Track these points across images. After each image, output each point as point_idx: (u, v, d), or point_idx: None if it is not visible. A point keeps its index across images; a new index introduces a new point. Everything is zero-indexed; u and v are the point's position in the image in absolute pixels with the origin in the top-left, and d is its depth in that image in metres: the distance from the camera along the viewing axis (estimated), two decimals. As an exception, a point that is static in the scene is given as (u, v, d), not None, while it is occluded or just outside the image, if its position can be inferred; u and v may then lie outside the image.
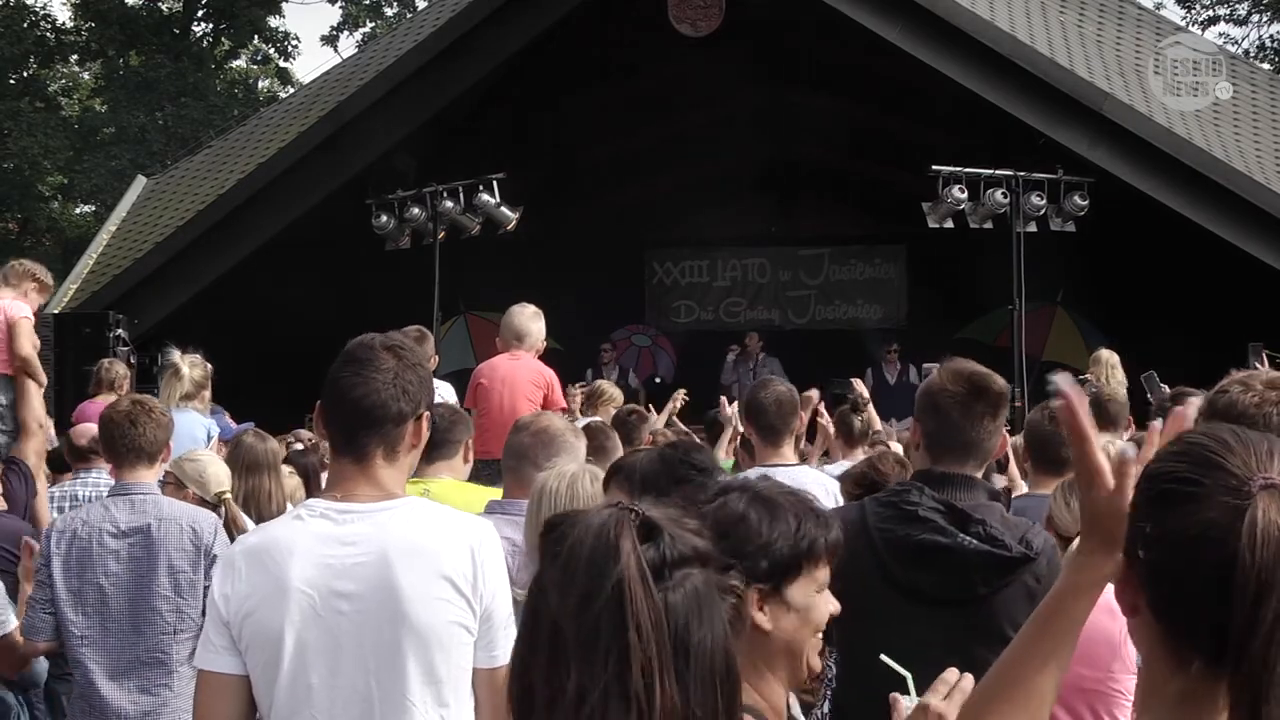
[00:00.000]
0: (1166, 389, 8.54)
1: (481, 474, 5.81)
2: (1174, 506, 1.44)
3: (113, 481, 4.75)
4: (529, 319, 7.46)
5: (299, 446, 7.71)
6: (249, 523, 5.12)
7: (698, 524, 1.50)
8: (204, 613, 4.33)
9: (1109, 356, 9.23)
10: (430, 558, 2.58)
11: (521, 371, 7.27)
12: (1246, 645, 1.37)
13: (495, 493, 4.65)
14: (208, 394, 7.63)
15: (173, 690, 4.31)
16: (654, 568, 1.40)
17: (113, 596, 4.29)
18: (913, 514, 3.07)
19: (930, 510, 3.05)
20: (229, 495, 5.03)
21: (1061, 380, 1.66)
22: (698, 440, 5.23)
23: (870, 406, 7.48)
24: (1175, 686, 1.44)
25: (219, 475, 5.05)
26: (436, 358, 8.06)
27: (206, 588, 4.30)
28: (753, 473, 5.37)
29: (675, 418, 9.89)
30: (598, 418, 7.61)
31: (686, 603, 1.42)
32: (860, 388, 7.78)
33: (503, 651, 2.62)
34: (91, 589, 4.30)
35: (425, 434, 2.73)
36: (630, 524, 1.42)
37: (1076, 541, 1.72)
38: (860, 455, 6.62)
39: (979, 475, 3.19)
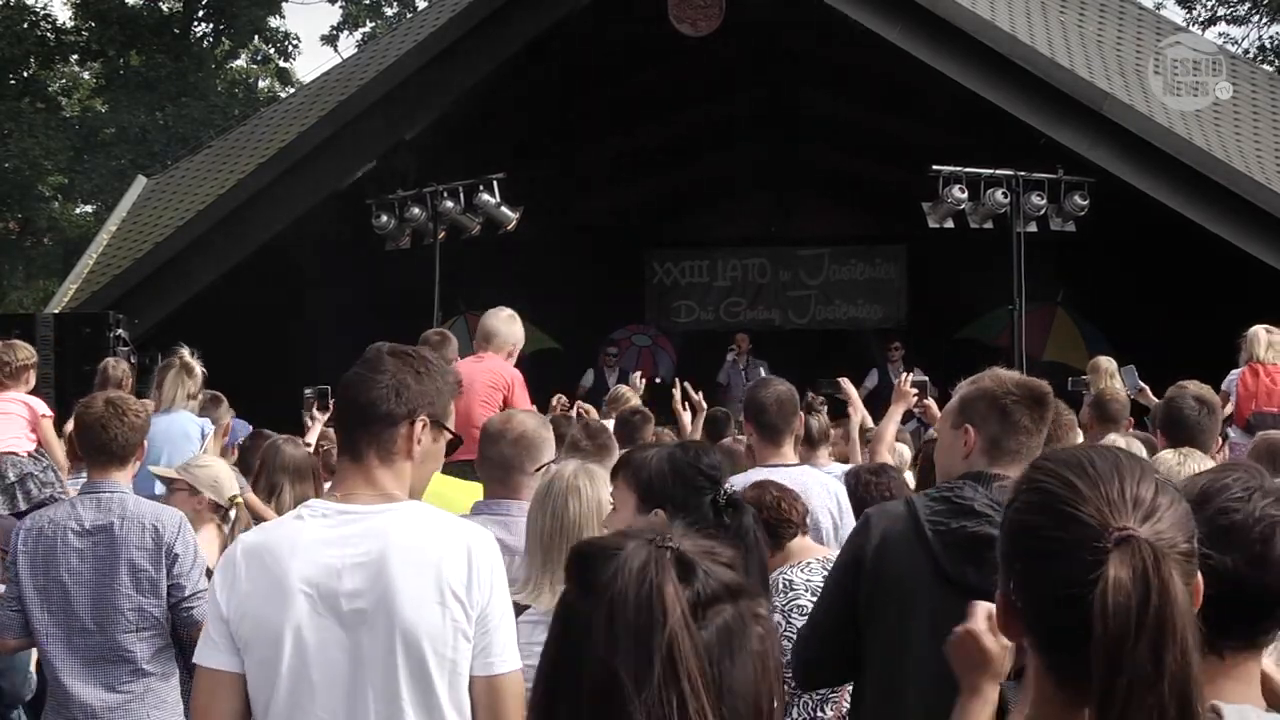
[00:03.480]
0: (1143, 385, 8.71)
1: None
2: (1034, 561, 1.45)
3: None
4: (501, 321, 7.37)
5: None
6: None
7: (730, 555, 1.48)
8: (169, 610, 4.36)
9: (1108, 364, 9.29)
10: (426, 561, 2.59)
11: (479, 374, 7.10)
12: (1105, 711, 1.37)
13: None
14: (203, 396, 7.67)
15: (139, 687, 4.32)
16: (690, 607, 1.40)
17: (76, 594, 4.30)
18: (968, 508, 3.11)
19: (985, 505, 3.10)
20: (241, 499, 5.08)
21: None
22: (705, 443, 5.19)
23: (859, 406, 7.46)
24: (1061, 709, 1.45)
25: (231, 480, 5.11)
26: (460, 359, 8.03)
27: (170, 586, 4.33)
28: (753, 473, 5.38)
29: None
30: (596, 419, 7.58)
31: (719, 641, 1.41)
32: (848, 387, 7.75)
33: (499, 659, 2.63)
34: (56, 586, 4.30)
35: (425, 441, 2.72)
36: (669, 564, 1.41)
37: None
38: (824, 456, 6.60)
39: None
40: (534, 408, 7.24)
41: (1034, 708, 1.49)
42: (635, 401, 8.74)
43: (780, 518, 4.52)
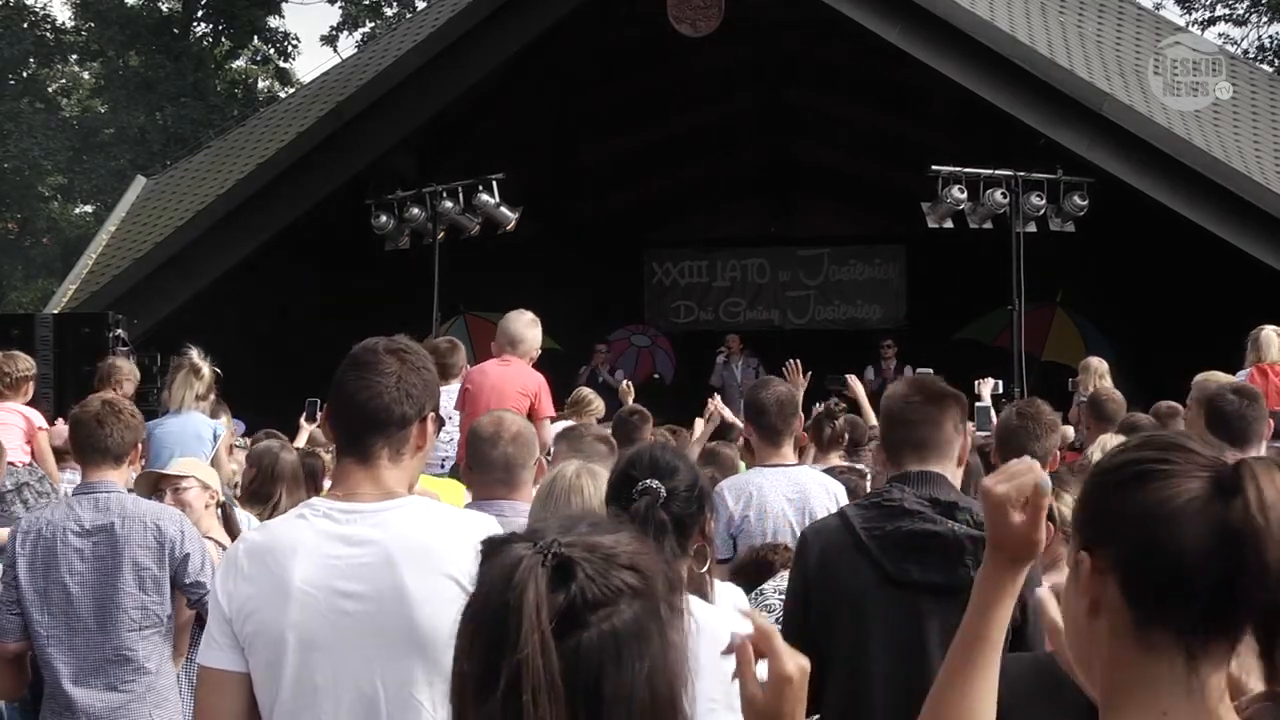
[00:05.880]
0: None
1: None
2: (1151, 483, 1.46)
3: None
4: (525, 325, 7.42)
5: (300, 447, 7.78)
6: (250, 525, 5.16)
7: (633, 553, 1.39)
8: (171, 609, 4.36)
9: (1098, 364, 9.30)
10: (434, 557, 2.54)
11: (510, 380, 7.19)
12: (1261, 599, 1.38)
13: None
14: (214, 397, 7.65)
15: (140, 686, 4.32)
16: (566, 613, 1.33)
17: (78, 595, 4.29)
18: (898, 508, 3.16)
19: (916, 503, 3.14)
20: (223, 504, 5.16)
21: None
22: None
23: (868, 405, 7.44)
24: (1156, 680, 1.43)
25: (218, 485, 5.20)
26: (467, 367, 8.03)
27: (190, 584, 4.33)
28: (752, 473, 5.39)
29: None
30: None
31: (602, 646, 1.33)
32: (856, 385, 7.73)
33: None
34: (57, 588, 4.29)
35: (431, 436, 2.72)
36: (539, 570, 1.34)
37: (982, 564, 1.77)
38: (835, 459, 6.57)
39: (947, 474, 3.27)
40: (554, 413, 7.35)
41: (1119, 695, 1.53)
42: (599, 404, 8.80)
43: (763, 560, 4.60)
